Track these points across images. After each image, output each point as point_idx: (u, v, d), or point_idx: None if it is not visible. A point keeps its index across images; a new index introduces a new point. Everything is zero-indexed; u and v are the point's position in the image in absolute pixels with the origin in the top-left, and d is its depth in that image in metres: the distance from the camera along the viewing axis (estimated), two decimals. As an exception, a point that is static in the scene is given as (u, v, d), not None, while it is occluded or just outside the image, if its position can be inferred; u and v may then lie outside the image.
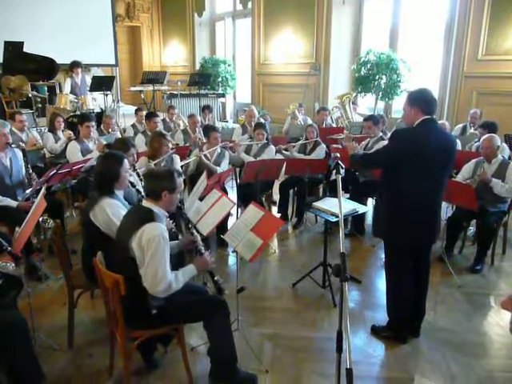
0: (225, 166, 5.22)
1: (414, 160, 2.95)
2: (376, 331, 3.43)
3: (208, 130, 5.45)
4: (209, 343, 2.83)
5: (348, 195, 5.35)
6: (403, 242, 3.17)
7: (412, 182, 3.00)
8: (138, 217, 2.60)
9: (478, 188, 4.35)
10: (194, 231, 2.93)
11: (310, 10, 9.60)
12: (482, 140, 4.61)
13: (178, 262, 2.80)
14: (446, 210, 4.86)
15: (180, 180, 2.73)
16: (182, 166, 5.02)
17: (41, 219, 3.22)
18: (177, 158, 4.87)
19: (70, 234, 4.98)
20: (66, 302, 3.28)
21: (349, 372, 1.65)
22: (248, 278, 4.25)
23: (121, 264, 2.55)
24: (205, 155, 5.15)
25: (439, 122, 5.91)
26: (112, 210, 2.95)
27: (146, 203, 2.69)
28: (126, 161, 3.18)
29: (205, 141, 5.65)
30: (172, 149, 4.76)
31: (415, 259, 3.27)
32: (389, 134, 6.02)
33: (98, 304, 3.59)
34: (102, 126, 6.60)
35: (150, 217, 2.55)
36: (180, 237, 3.04)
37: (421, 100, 3.04)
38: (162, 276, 2.48)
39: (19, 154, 4.43)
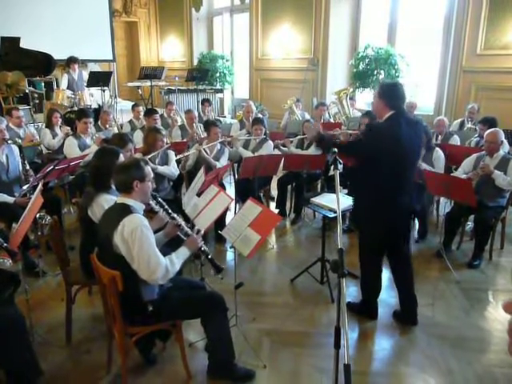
0: (224, 162, 5.21)
1: (388, 154, 3.06)
2: (351, 307, 3.59)
3: (209, 125, 5.43)
4: (207, 339, 2.83)
5: (346, 191, 5.34)
6: (380, 230, 3.29)
7: (386, 174, 3.10)
8: (115, 214, 2.58)
9: (478, 182, 4.36)
10: (175, 215, 2.90)
11: (308, 4, 9.56)
12: (486, 134, 4.61)
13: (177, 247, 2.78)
14: (445, 206, 4.85)
15: (148, 168, 2.69)
16: (180, 161, 5.00)
17: (38, 215, 3.22)
18: (172, 153, 4.85)
19: (67, 230, 4.97)
20: (64, 298, 3.27)
21: (347, 368, 1.65)
22: (246, 273, 4.24)
23: (111, 262, 2.54)
24: (204, 150, 5.13)
25: (437, 118, 5.94)
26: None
27: (119, 199, 2.67)
28: (122, 156, 3.18)
29: (203, 136, 5.62)
30: (167, 143, 4.74)
31: (392, 249, 3.42)
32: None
33: (95, 300, 3.58)
34: (99, 122, 6.58)
35: (126, 210, 2.54)
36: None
37: (389, 94, 3.15)
38: (155, 263, 2.48)
39: (16, 150, 4.41)
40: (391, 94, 3.15)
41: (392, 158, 3.05)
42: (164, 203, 2.88)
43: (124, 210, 2.54)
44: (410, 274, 3.47)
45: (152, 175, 2.76)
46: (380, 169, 3.10)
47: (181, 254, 2.67)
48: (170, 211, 2.87)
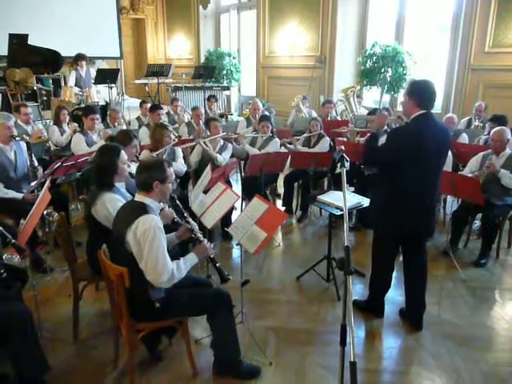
0: (226, 156, 5.21)
1: (411, 157, 2.98)
2: (357, 305, 3.59)
3: (208, 120, 5.45)
4: (212, 336, 2.84)
5: (353, 188, 5.34)
6: (395, 232, 3.25)
7: (409, 177, 3.03)
8: (131, 211, 2.59)
9: (485, 181, 4.34)
10: (190, 219, 2.91)
11: (316, 1, 9.53)
12: (492, 132, 4.59)
13: (182, 251, 2.80)
14: (452, 204, 4.84)
15: (171, 170, 2.71)
16: (184, 159, 5.00)
17: (45, 212, 3.23)
18: (179, 150, 4.86)
19: (74, 226, 5.00)
20: (71, 294, 3.29)
21: (352, 365, 1.65)
22: (252, 271, 4.25)
23: (121, 259, 2.56)
24: (205, 143, 5.13)
25: (447, 115, 5.91)
26: (113, 206, 2.94)
27: (137, 197, 2.68)
28: (123, 152, 3.16)
29: (209, 133, 5.63)
30: (173, 140, 4.75)
31: (412, 250, 3.38)
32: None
33: (102, 296, 3.59)
34: (107, 120, 6.60)
35: (142, 210, 2.55)
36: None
37: (420, 93, 3.03)
38: (162, 266, 2.48)
39: (24, 146, 4.42)
40: (422, 92, 3.03)
41: (413, 158, 2.97)
42: (181, 206, 2.89)
43: (141, 209, 2.56)
44: (424, 279, 3.39)
45: (174, 177, 2.77)
46: (400, 169, 3.02)
47: (188, 261, 2.68)
48: (185, 214, 2.89)
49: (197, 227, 2.90)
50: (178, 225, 2.96)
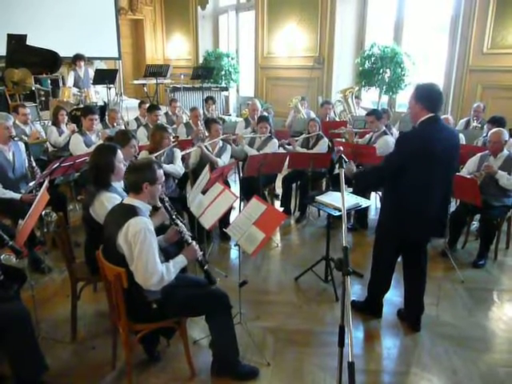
0: (225, 158, 5.21)
1: (419, 161, 2.94)
2: (355, 306, 3.59)
3: (209, 122, 5.43)
4: (211, 337, 2.84)
5: (351, 189, 5.33)
6: (396, 239, 3.23)
7: (413, 182, 2.99)
8: (121, 214, 2.58)
9: (482, 182, 4.34)
10: (178, 221, 2.90)
11: (314, 2, 9.54)
12: (489, 134, 4.60)
13: (178, 251, 2.79)
14: (450, 205, 4.84)
15: (160, 172, 2.69)
16: (183, 159, 5.00)
17: (43, 212, 3.22)
18: (177, 151, 4.85)
19: (73, 226, 4.98)
20: (69, 294, 3.29)
21: (351, 366, 1.65)
22: (250, 271, 4.25)
23: (115, 260, 2.55)
24: (206, 147, 5.13)
25: (443, 116, 5.90)
26: (111, 205, 2.94)
27: (127, 199, 2.67)
28: (119, 151, 3.17)
29: (207, 134, 5.63)
30: (173, 142, 4.74)
31: (412, 253, 3.35)
32: (393, 129, 6.04)
33: (100, 297, 3.59)
34: (106, 120, 6.59)
35: (132, 212, 2.54)
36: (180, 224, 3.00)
37: (427, 97, 2.98)
38: (152, 269, 2.48)
39: (22, 147, 4.42)
40: (429, 95, 2.97)
41: (419, 162, 2.92)
42: (169, 208, 2.88)
43: (130, 211, 2.55)
44: (423, 282, 3.39)
45: (163, 179, 2.76)
46: (404, 173, 2.97)
47: (178, 263, 2.67)
48: (174, 217, 2.86)
49: (185, 229, 2.88)
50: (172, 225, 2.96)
